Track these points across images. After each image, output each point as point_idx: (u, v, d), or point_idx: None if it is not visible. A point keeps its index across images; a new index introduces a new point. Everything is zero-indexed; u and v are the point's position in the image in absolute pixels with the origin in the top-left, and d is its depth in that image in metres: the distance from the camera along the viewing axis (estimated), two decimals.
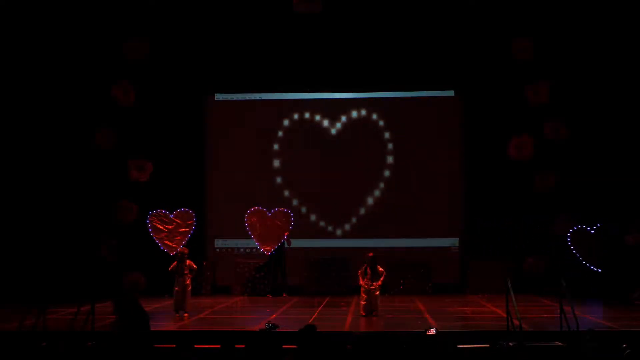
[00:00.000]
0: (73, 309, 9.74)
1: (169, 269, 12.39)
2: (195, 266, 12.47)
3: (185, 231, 15.43)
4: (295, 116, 17.13)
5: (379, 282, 11.98)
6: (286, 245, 15.36)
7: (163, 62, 15.83)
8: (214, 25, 15.87)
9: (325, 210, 16.81)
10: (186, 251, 12.58)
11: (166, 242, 15.35)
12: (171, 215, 15.51)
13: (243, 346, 6.61)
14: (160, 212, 15.48)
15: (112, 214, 15.21)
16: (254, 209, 15.70)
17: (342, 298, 14.59)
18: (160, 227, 15.43)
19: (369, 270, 11.94)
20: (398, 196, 16.63)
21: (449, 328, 10.41)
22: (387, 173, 16.88)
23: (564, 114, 14.66)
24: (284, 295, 15.09)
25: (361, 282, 12.01)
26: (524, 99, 14.82)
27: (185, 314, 12.04)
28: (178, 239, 15.30)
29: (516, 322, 8.85)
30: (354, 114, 17.05)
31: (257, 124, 17.06)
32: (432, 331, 8.53)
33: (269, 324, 8.26)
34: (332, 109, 17.06)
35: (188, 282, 12.25)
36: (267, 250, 15.39)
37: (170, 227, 15.47)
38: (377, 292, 11.93)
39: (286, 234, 15.31)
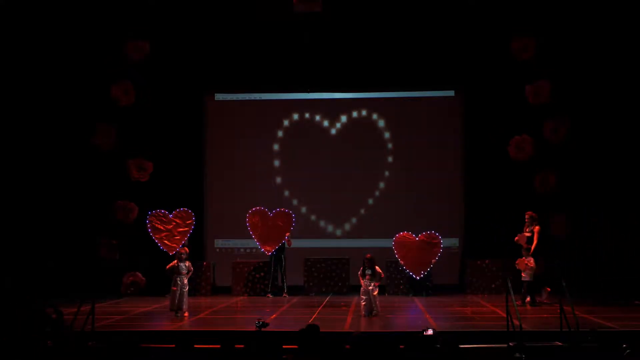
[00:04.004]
0: (73, 309, 9.73)
1: (167, 267, 12.37)
2: (192, 268, 12.47)
3: (184, 231, 15.42)
4: (295, 116, 17.13)
5: (378, 283, 12.00)
6: (287, 245, 15.33)
7: (163, 62, 15.84)
8: (214, 25, 15.88)
9: (325, 210, 16.81)
10: (187, 251, 12.60)
11: (165, 241, 15.35)
12: (170, 215, 15.50)
13: (243, 346, 6.61)
14: (160, 212, 15.47)
15: (112, 214, 15.22)
16: (256, 209, 15.68)
17: (342, 298, 14.60)
18: (160, 226, 15.42)
19: (367, 271, 11.94)
20: (398, 196, 16.62)
21: (449, 328, 10.42)
22: (387, 173, 16.88)
23: (564, 113, 14.66)
24: (285, 295, 15.08)
25: (361, 282, 12.03)
26: (524, 98, 14.81)
27: (185, 314, 12.05)
28: (177, 239, 15.29)
29: (516, 322, 8.85)
30: (354, 114, 17.05)
31: (257, 124, 17.06)
32: (430, 332, 8.51)
33: (258, 322, 8.23)
34: (332, 109, 17.05)
35: (185, 281, 12.25)
36: (268, 250, 15.37)
37: (170, 226, 15.46)
38: (376, 292, 11.93)
39: (287, 234, 15.29)
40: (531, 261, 12.97)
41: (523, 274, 13.06)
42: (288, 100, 17.21)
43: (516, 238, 13.27)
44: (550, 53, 14.64)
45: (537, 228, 13.17)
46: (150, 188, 15.67)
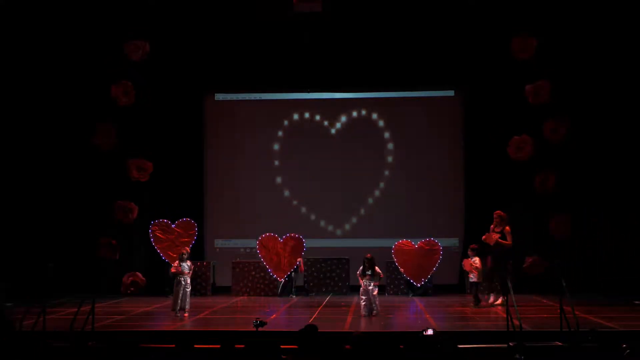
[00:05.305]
0: (73, 309, 9.73)
1: (172, 270, 12.44)
2: (192, 266, 12.51)
3: (186, 241, 15.35)
4: (295, 116, 17.13)
5: (377, 283, 12.02)
6: (300, 271, 15.34)
7: (163, 62, 15.83)
8: (214, 25, 15.87)
9: (325, 210, 16.81)
10: (188, 251, 12.62)
11: (168, 252, 15.32)
12: (173, 225, 15.48)
13: (243, 346, 6.61)
14: (162, 221, 15.46)
15: (112, 214, 15.21)
16: (265, 236, 15.53)
17: (342, 298, 14.60)
18: (162, 236, 15.40)
19: (367, 271, 11.95)
20: (398, 196, 16.62)
21: (448, 328, 10.42)
22: (387, 173, 16.88)
23: (564, 113, 14.65)
24: (292, 296, 15.06)
25: (360, 282, 12.03)
26: (524, 98, 14.80)
27: (185, 314, 12.06)
28: (179, 249, 15.22)
29: (516, 322, 8.85)
30: (354, 114, 17.05)
31: (257, 124, 17.06)
32: (429, 332, 8.51)
33: (256, 321, 8.24)
34: (332, 109, 17.05)
35: (188, 281, 12.29)
36: (281, 277, 15.31)
37: (172, 236, 15.43)
38: (376, 292, 11.94)
39: (299, 259, 15.30)
40: (477, 261, 12.90)
41: (470, 275, 13.05)
42: (288, 100, 17.20)
43: (484, 237, 12.84)
44: (550, 53, 14.63)
45: (507, 228, 12.62)
46: (150, 188, 15.68)
